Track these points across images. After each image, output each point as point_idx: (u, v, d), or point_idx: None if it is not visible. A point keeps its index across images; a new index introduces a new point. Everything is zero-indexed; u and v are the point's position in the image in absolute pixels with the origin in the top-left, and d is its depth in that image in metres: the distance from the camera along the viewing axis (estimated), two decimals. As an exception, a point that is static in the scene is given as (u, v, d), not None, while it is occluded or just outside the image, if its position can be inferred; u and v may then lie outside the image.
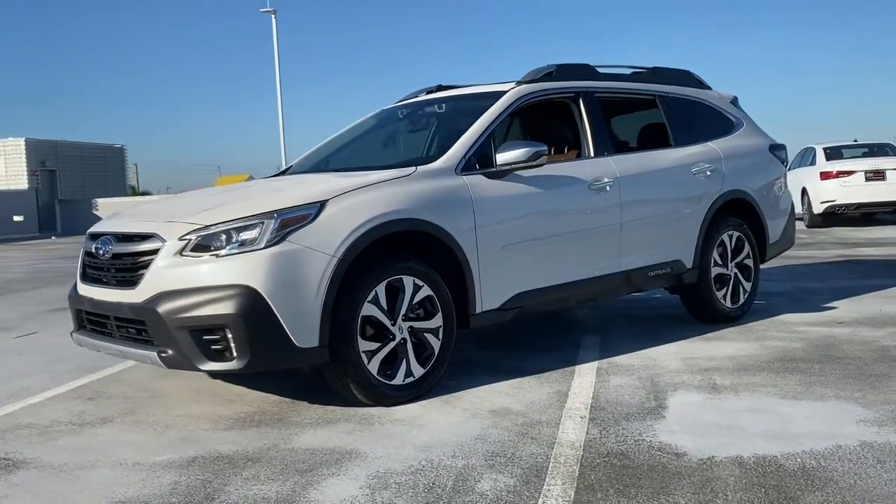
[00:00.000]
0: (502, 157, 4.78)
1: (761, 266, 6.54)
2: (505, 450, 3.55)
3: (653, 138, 6.05)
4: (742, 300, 6.22)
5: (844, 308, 6.54)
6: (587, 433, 3.71)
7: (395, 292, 4.33)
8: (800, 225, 16.21)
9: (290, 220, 4.04)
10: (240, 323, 3.87)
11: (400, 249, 4.45)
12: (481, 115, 5.02)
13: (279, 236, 3.98)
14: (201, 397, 4.72)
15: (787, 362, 4.84)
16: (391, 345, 4.30)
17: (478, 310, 4.69)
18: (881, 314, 6.21)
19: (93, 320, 4.52)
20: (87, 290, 4.52)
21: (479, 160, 4.81)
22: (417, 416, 4.13)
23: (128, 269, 4.22)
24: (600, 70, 5.87)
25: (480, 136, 4.89)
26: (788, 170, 17.26)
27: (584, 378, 4.71)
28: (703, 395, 4.23)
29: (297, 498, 3.13)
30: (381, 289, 4.26)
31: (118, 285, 4.27)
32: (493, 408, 4.20)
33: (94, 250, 4.46)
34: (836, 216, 15.39)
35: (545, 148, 4.82)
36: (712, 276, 5.99)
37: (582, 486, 3.08)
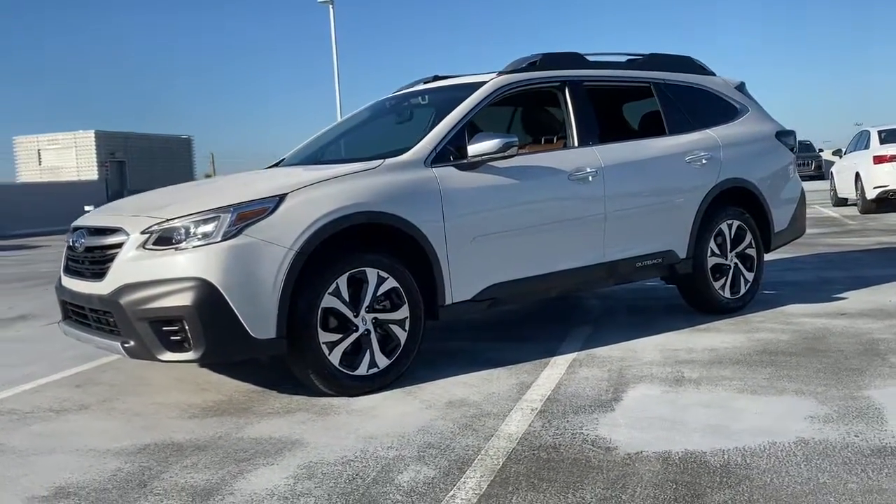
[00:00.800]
0: (474, 149, 4.78)
1: (767, 255, 6.38)
2: (442, 441, 3.57)
3: (646, 127, 5.97)
4: (743, 290, 6.10)
5: (855, 298, 6.36)
6: (530, 426, 3.71)
7: (359, 284, 4.37)
8: (852, 211, 15.75)
9: (247, 214, 4.11)
10: (195, 315, 3.96)
11: (368, 242, 4.49)
12: (457, 106, 5.02)
13: (235, 230, 4.06)
14: (182, 386, 4.85)
15: (767, 355, 4.74)
16: (354, 336, 4.35)
17: (448, 301, 4.70)
18: (890, 305, 6.02)
19: (75, 311, 4.69)
20: (68, 282, 4.68)
21: (452, 152, 4.82)
22: (375, 406, 4.18)
23: (98, 261, 4.36)
24: (591, 58, 5.79)
25: (453, 128, 4.89)
26: (844, 154, 16.80)
27: (555, 370, 4.70)
28: (664, 389, 4.19)
29: (223, 486, 3.21)
30: (342, 281, 4.31)
31: (91, 277, 4.41)
32: (450, 399, 4.22)
33: (71, 243, 4.62)
34: (891, 202, 14.87)
35: (516, 139, 4.81)
36: (709, 266, 5.88)
37: (498, 480, 3.09)
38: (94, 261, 4.41)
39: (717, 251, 5.94)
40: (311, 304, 4.20)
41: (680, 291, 6.10)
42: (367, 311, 4.41)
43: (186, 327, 4.00)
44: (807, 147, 39.12)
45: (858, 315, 5.74)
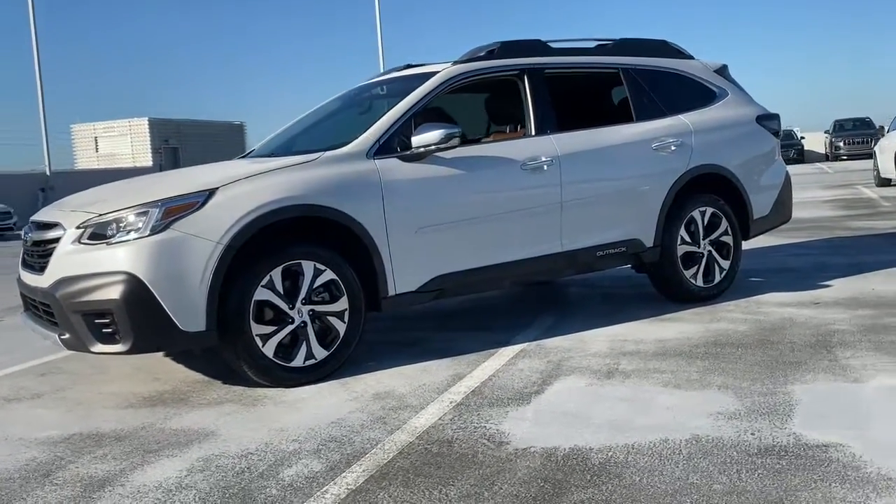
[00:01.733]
0: (417, 140, 4.78)
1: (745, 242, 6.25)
2: (347, 435, 3.61)
3: (614, 114, 5.88)
4: (718, 279, 5.99)
5: (840, 286, 6.20)
6: (439, 419, 3.73)
7: (295, 276, 4.42)
8: (894, 192, 15.26)
9: (175, 209, 4.19)
10: (122, 308, 4.06)
11: (309, 234, 4.53)
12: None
13: (163, 225, 4.14)
14: (137, 375, 4.97)
15: (715, 347, 4.67)
16: (289, 328, 4.40)
17: (391, 293, 4.73)
18: (871, 294, 5.86)
19: (29, 303, 4.84)
20: (23, 275, 4.83)
21: (398, 143, 4.82)
22: (305, 398, 4.24)
23: (41, 255, 4.49)
24: (556, 45, 5.72)
25: (398, 119, 4.89)
26: (887, 132, 16.24)
27: (498, 361, 4.69)
28: (590, 382, 4.16)
29: (118, 478, 3.29)
30: (276, 273, 4.36)
31: (38, 270, 4.55)
32: (379, 391, 4.25)
33: (24, 237, 4.77)
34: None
35: (458, 130, 4.80)
36: (679, 254, 5.79)
37: (378, 475, 3.12)
38: (39, 254, 4.54)
39: (688, 239, 5.84)
40: (242, 296, 4.26)
41: (651, 280, 6.01)
42: (304, 304, 4.45)
43: (116, 320, 4.10)
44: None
45: (832, 304, 5.59)
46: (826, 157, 36.64)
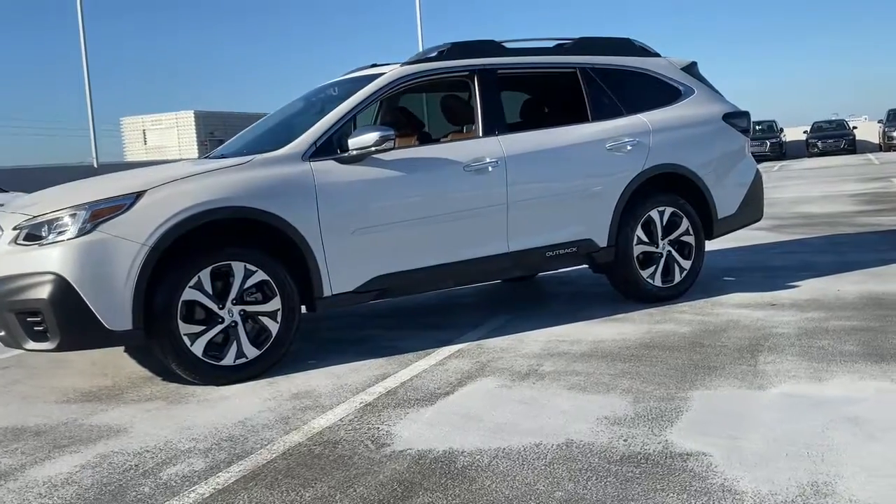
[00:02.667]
0: (353, 143, 4.85)
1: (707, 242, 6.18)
2: (244, 434, 3.71)
3: (569, 114, 5.86)
4: (678, 279, 5.95)
5: (808, 287, 6.11)
6: (340, 420, 3.81)
7: (225, 277, 4.53)
8: (919, 185, 14.84)
9: (102, 212, 4.33)
10: (50, 308, 4.22)
11: (244, 236, 4.64)
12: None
13: (90, 227, 4.28)
14: (90, 370, 5.13)
15: (645, 349, 4.66)
16: (219, 328, 4.52)
17: (326, 293, 4.81)
18: (833, 295, 5.77)
19: None
20: None
21: (337, 145, 4.90)
22: (228, 396, 4.35)
23: None
24: (511, 45, 5.74)
25: (337, 122, 4.97)
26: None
27: (430, 360, 4.76)
28: (503, 383, 4.19)
29: (16, 472, 3.44)
30: (205, 274, 4.48)
31: None
32: (301, 390, 4.35)
33: None
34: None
35: (392, 132, 4.85)
36: (635, 254, 5.77)
37: (249, 476, 3.21)
38: (-17, 255, 4.71)
39: (645, 239, 5.82)
40: (170, 296, 4.38)
41: (609, 280, 6.00)
42: (235, 304, 4.56)
43: (45, 319, 4.25)
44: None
45: (789, 306, 5.53)
46: (879, 148, 35.69)
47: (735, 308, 5.56)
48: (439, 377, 4.38)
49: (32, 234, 4.37)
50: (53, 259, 4.24)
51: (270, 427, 3.77)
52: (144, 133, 35.76)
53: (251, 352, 4.60)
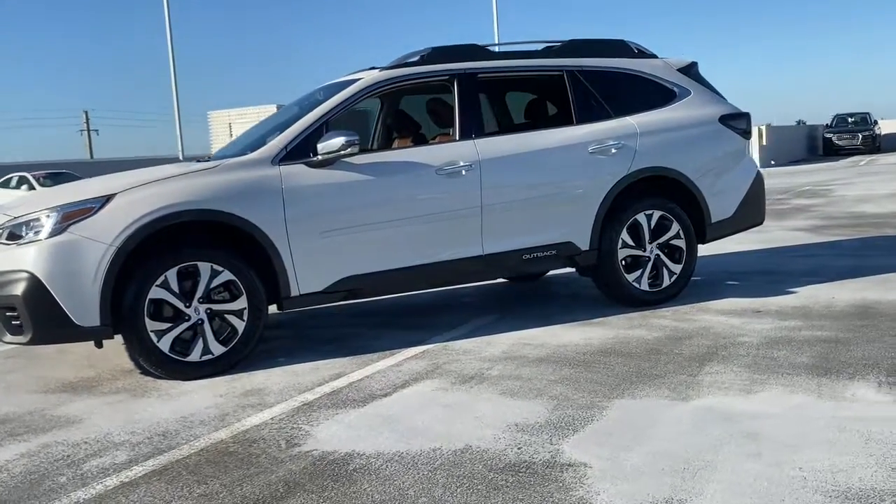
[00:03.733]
0: (320, 147, 5.00)
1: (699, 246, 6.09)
2: (178, 430, 3.90)
3: (552, 117, 5.88)
4: (667, 283, 5.91)
5: (805, 293, 5.99)
6: (271, 418, 3.96)
7: (192, 276, 4.75)
8: None
9: (72, 214, 4.58)
10: (23, 303, 4.50)
11: (214, 237, 4.83)
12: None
13: (60, 228, 4.54)
14: (84, 362, 5.42)
15: (602, 355, 4.67)
16: (185, 325, 4.73)
17: (294, 293, 4.98)
18: (825, 303, 5.64)
19: None
20: None
21: (309, 150, 5.05)
22: (189, 391, 4.55)
23: None
24: (496, 49, 5.79)
25: (309, 126, 5.12)
26: None
27: (389, 361, 4.87)
28: (442, 386, 4.27)
29: (-38, 458, 3.70)
30: (171, 274, 4.69)
31: None
32: (255, 388, 4.52)
33: None
34: None
35: (356, 137, 4.97)
36: (620, 258, 5.75)
37: (158, 470, 3.39)
38: (-24, 252, 5.04)
39: (630, 242, 5.79)
40: (137, 295, 4.61)
41: (594, 283, 6.00)
42: (201, 302, 4.76)
43: (20, 314, 4.54)
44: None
45: (773, 313, 5.44)
46: None
47: (717, 314, 5.49)
48: (388, 378, 4.48)
49: (13, 234, 4.66)
50: (27, 258, 4.51)
51: (206, 423, 3.94)
52: (230, 126, 36.65)
53: (217, 349, 4.79)
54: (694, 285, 6.51)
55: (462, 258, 5.35)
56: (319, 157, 5.00)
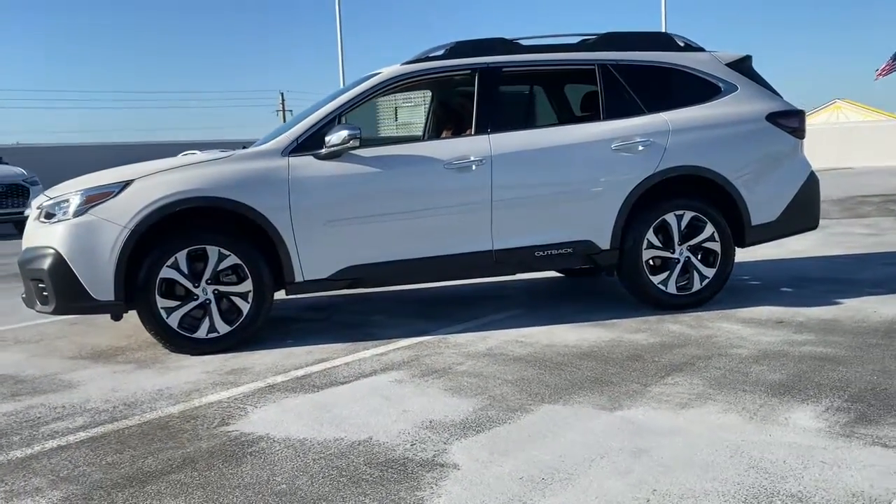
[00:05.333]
0: (328, 140, 5.20)
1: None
2: (146, 402, 4.21)
3: (579, 111, 5.79)
4: (698, 287, 5.71)
5: (846, 305, 5.65)
6: (228, 397, 4.20)
7: (201, 259, 5.09)
8: None
9: (94, 197, 5.02)
10: (48, 277, 4.99)
11: (225, 223, 5.15)
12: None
13: (83, 209, 4.99)
14: (128, 332, 5.91)
15: (581, 358, 4.63)
16: (193, 304, 5.08)
17: (298, 279, 5.22)
18: (860, 318, 5.29)
19: None
20: None
21: (319, 142, 5.27)
22: (186, 366, 4.88)
23: (23, 230, 5.56)
24: (529, 42, 5.77)
25: (321, 119, 5.33)
26: None
27: (377, 350, 5.02)
28: (403, 378, 4.37)
29: (-41, 412, 4.19)
30: (182, 255, 5.05)
31: None
32: (242, 367, 4.79)
33: None
34: None
35: (358, 131, 5.13)
36: (644, 258, 5.62)
37: (92, 437, 3.69)
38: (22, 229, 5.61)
39: (657, 243, 5.64)
40: (150, 274, 5.00)
41: (621, 284, 5.88)
42: (209, 283, 5.09)
43: (46, 286, 5.04)
44: None
45: (797, 325, 5.17)
46: None
47: (735, 323, 5.26)
48: (361, 367, 4.63)
49: (49, 213, 5.15)
50: (54, 236, 4.98)
51: (172, 397, 4.24)
52: (396, 110, 37.67)
53: (222, 328, 5.10)
54: (739, 289, 6.27)
55: (470, 252, 5.39)
56: (325, 150, 5.16)
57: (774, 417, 3.50)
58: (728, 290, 6.22)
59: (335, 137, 5.12)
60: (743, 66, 6.00)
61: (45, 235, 5.07)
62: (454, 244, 5.37)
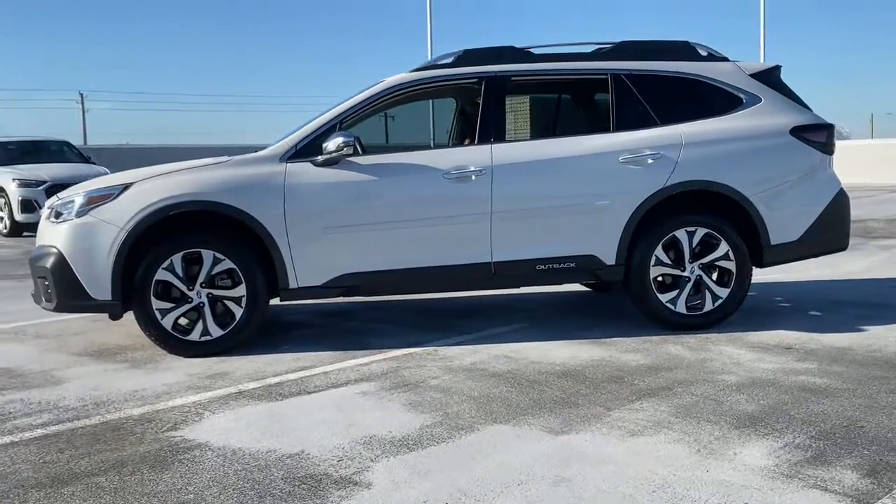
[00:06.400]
0: (325, 147, 5.20)
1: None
2: (113, 401, 4.28)
3: (588, 122, 5.64)
4: (709, 307, 5.48)
5: (868, 333, 5.31)
6: (192, 402, 4.24)
7: (196, 262, 5.16)
8: None
9: (95, 198, 5.15)
10: (50, 275, 5.14)
11: (222, 227, 5.21)
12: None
13: (84, 211, 5.13)
14: (135, 330, 6.04)
15: (561, 378, 4.49)
16: (186, 307, 5.16)
17: (292, 285, 5.23)
18: (878, 346, 4.98)
19: None
20: None
21: (318, 149, 5.27)
22: (173, 367, 4.96)
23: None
24: (541, 51, 5.66)
25: (321, 126, 5.33)
26: None
27: (361, 360, 4.97)
28: (370, 391, 4.32)
29: (-57, 404, 4.36)
30: (177, 258, 5.12)
31: None
32: (224, 371, 4.82)
33: None
34: None
35: (350, 139, 5.11)
36: (652, 276, 5.43)
37: (47, 435, 3.77)
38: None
39: (666, 260, 5.43)
40: (146, 275, 5.09)
41: (630, 301, 5.69)
42: (203, 287, 5.15)
43: (49, 284, 5.19)
44: None
45: (802, 353, 4.90)
46: None
47: (740, 347, 5.02)
48: (337, 377, 4.60)
49: (58, 213, 5.30)
50: (58, 235, 5.13)
51: (143, 399, 4.31)
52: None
53: (216, 331, 5.15)
54: (765, 311, 6.03)
55: (468, 264, 5.30)
56: (321, 157, 5.16)
57: (723, 452, 3.30)
58: (752, 311, 5.96)
59: (331, 144, 5.11)
60: (770, 77, 5.72)
61: (51, 235, 5.22)
62: (451, 255, 5.28)
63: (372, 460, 3.32)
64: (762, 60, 29.10)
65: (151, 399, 4.28)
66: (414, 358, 4.95)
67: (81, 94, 61.38)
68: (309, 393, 4.31)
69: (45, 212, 5.45)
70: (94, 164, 16.88)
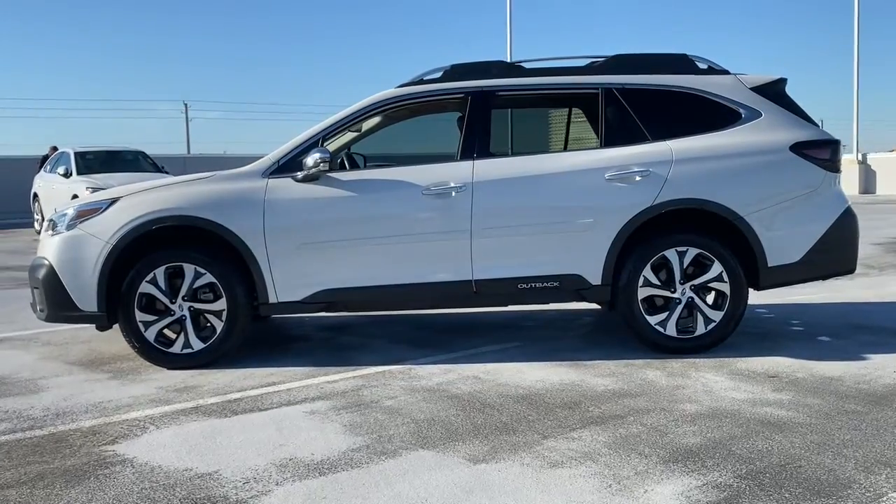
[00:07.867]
0: (304, 163, 5.23)
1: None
2: (72, 412, 4.39)
3: (575, 138, 5.50)
4: (701, 331, 5.27)
5: (868, 363, 5.03)
6: (146, 416, 4.31)
7: (179, 276, 5.26)
8: None
9: (84, 212, 5.30)
10: (42, 286, 5.32)
11: (205, 241, 5.29)
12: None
13: (74, 224, 5.29)
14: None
15: (517, 402, 4.39)
16: (168, 319, 5.26)
17: (272, 300, 5.28)
18: (871, 377, 4.70)
19: None
20: None
21: (299, 165, 5.31)
22: (150, 379, 5.05)
23: None
24: (530, 65, 5.58)
25: (305, 142, 5.36)
26: None
27: (333, 377, 4.97)
28: (315, 409, 4.31)
29: (-79, 409, 4.55)
30: (160, 272, 5.23)
31: None
32: (194, 385, 4.89)
33: None
34: None
35: (327, 155, 5.13)
36: (639, 297, 5.26)
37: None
38: (46, 238, 5.98)
39: (655, 281, 5.26)
40: (130, 288, 5.21)
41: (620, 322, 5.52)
42: (185, 300, 5.24)
43: (41, 294, 5.37)
44: None
45: (784, 383, 4.66)
46: None
47: (721, 374, 4.81)
48: (296, 394, 4.61)
49: (53, 225, 5.48)
50: (49, 248, 5.30)
51: (102, 410, 4.40)
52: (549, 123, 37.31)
53: (197, 344, 5.23)
54: (769, 334, 5.81)
55: (448, 281, 5.23)
56: (301, 173, 5.18)
57: (634, 489, 3.15)
58: (756, 334, 5.74)
59: (309, 160, 5.12)
60: (773, 90, 5.46)
61: (45, 246, 5.40)
62: (431, 272, 5.22)
63: (277, 484, 3.29)
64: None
65: (111, 411, 4.36)
66: (384, 376, 4.91)
67: (185, 104, 63.60)
68: (261, 410, 4.31)
69: (45, 224, 5.63)
70: (168, 173, 17.38)
